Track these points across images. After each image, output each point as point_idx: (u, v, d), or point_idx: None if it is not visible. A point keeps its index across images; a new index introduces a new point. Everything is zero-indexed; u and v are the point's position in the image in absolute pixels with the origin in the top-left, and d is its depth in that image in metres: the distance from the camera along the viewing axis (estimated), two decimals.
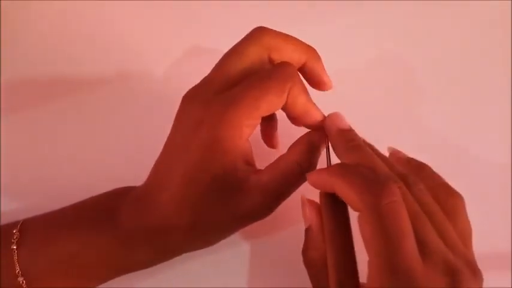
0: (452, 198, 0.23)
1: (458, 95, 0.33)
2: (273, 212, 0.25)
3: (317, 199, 0.23)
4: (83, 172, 0.31)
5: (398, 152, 0.27)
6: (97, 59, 0.34)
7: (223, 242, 0.25)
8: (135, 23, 0.35)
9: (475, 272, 0.21)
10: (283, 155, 0.25)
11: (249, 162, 0.24)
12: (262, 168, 0.25)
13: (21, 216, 0.26)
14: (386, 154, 0.27)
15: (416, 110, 0.33)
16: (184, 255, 0.25)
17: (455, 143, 0.32)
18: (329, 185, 0.22)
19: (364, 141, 0.25)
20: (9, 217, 0.28)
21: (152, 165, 0.26)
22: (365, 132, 0.25)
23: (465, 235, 0.23)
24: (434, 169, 0.25)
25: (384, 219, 0.19)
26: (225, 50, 0.25)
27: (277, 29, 0.25)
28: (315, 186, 0.23)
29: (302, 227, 0.24)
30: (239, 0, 0.35)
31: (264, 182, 0.24)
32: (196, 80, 0.25)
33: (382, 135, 0.26)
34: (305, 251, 0.24)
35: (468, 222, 0.23)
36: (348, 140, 0.24)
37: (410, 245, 0.19)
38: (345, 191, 0.21)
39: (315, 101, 0.25)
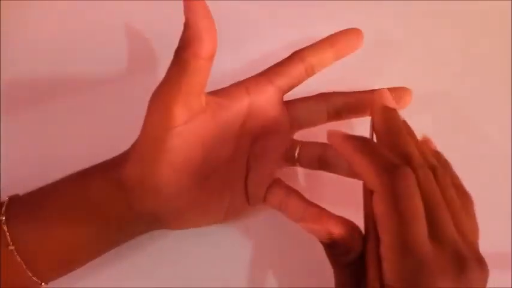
0: (466, 199, 0.25)
1: (458, 95, 0.33)
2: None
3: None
4: None
5: (430, 142, 0.28)
6: (97, 59, 0.34)
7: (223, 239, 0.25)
8: (135, 23, 0.35)
9: (482, 265, 0.21)
10: None
11: None
12: None
13: None
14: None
15: (416, 110, 0.33)
16: (184, 254, 0.25)
17: (455, 143, 0.32)
18: (349, 155, 0.23)
19: (404, 123, 0.25)
20: None
21: None
22: (363, 129, 0.25)
23: (474, 234, 0.23)
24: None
25: (397, 199, 0.21)
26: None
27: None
28: (334, 145, 0.24)
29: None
30: (239, 0, 0.35)
31: None
32: None
33: None
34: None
35: (477, 223, 0.24)
36: (389, 119, 0.25)
37: (420, 227, 0.20)
38: (364, 168, 0.22)
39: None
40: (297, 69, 0.27)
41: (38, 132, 0.32)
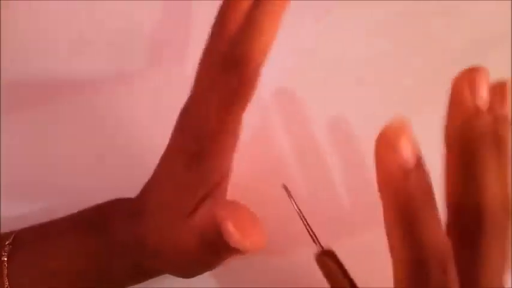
0: None
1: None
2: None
3: None
4: (83, 172, 0.31)
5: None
6: (97, 59, 0.34)
7: None
8: (135, 23, 0.35)
9: None
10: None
11: None
12: None
13: (21, 217, 0.26)
14: None
15: (416, 110, 0.33)
16: None
17: None
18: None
19: None
20: (9, 218, 0.28)
21: (153, 167, 0.26)
22: (363, 131, 0.25)
23: None
24: (435, 169, 0.25)
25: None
26: None
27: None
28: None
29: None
30: None
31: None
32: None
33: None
34: None
35: None
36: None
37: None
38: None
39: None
40: None
41: (38, 132, 0.32)
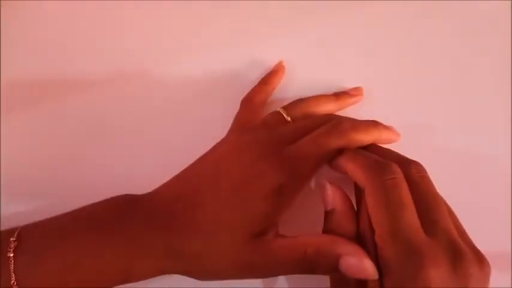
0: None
1: (458, 96, 0.33)
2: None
3: None
4: (83, 172, 0.31)
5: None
6: (97, 59, 0.34)
7: None
8: (135, 22, 0.35)
9: (482, 260, 0.21)
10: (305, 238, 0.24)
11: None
12: None
13: (21, 216, 0.26)
14: None
15: (416, 110, 0.33)
16: None
17: (455, 143, 0.32)
18: (343, 167, 0.25)
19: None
20: (9, 218, 0.28)
21: (152, 166, 0.25)
22: None
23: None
24: (435, 169, 0.25)
25: (384, 191, 0.21)
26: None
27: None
28: (334, 168, 0.25)
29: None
30: (239, 0, 0.35)
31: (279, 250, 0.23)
32: (197, 80, 0.25)
33: None
34: (326, 232, 0.24)
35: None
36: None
37: (410, 215, 0.21)
38: (353, 170, 0.24)
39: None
40: None
41: (38, 132, 0.32)
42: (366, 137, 0.26)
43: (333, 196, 0.24)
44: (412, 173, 0.23)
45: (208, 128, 0.30)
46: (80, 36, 0.34)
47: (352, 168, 0.24)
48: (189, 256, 0.23)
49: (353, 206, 0.25)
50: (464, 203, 0.24)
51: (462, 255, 0.20)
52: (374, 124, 0.27)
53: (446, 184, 0.24)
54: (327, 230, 0.24)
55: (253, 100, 0.30)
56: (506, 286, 0.28)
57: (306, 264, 0.22)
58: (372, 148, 0.26)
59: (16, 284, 0.23)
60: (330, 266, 0.22)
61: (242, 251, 0.23)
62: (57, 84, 0.33)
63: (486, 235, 0.23)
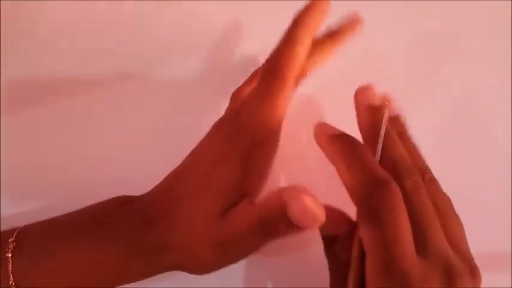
0: (449, 200, 0.24)
1: (458, 96, 0.33)
2: None
3: None
4: (83, 172, 0.31)
5: (399, 117, 0.26)
6: (97, 59, 0.34)
7: None
8: (135, 22, 0.35)
9: (474, 272, 0.21)
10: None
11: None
12: None
13: (21, 217, 0.26)
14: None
15: (416, 110, 0.33)
16: None
17: (455, 143, 0.32)
18: (333, 161, 0.22)
19: (395, 119, 0.25)
20: (9, 218, 0.28)
21: (152, 166, 0.26)
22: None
23: (461, 234, 0.23)
24: (435, 169, 0.25)
25: (380, 222, 0.20)
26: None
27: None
28: (319, 145, 0.23)
29: None
30: (239, 0, 0.35)
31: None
32: (197, 80, 0.25)
33: None
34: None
35: (461, 222, 0.23)
36: (374, 120, 0.24)
37: (405, 246, 0.19)
38: (347, 181, 0.21)
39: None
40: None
41: (38, 132, 0.32)
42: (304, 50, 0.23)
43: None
44: (407, 184, 0.22)
45: (209, 128, 0.30)
46: (80, 37, 0.34)
47: (349, 178, 0.22)
48: (176, 249, 0.23)
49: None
50: (465, 203, 0.24)
51: (453, 272, 0.20)
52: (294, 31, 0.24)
53: (446, 184, 0.24)
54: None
55: (241, 94, 0.29)
56: (506, 286, 0.28)
57: (264, 229, 0.21)
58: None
59: (14, 285, 0.23)
60: (285, 222, 0.20)
61: (216, 233, 0.22)
62: (57, 84, 0.33)
63: (486, 235, 0.23)
